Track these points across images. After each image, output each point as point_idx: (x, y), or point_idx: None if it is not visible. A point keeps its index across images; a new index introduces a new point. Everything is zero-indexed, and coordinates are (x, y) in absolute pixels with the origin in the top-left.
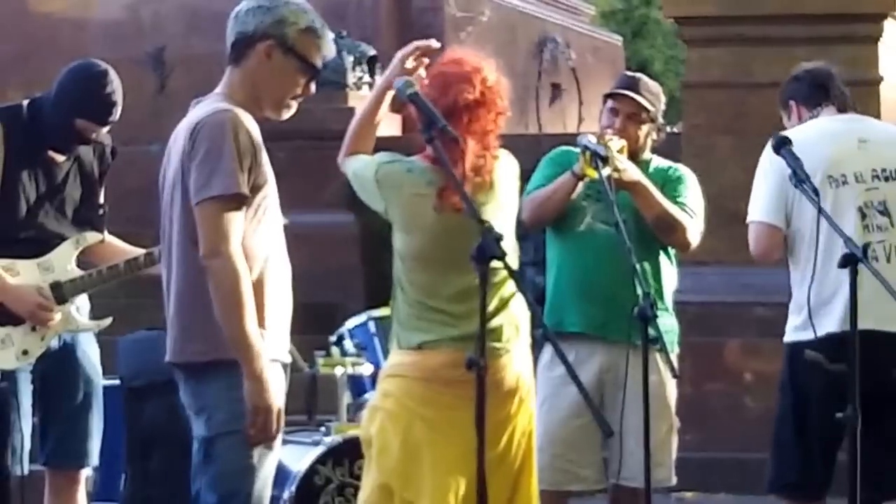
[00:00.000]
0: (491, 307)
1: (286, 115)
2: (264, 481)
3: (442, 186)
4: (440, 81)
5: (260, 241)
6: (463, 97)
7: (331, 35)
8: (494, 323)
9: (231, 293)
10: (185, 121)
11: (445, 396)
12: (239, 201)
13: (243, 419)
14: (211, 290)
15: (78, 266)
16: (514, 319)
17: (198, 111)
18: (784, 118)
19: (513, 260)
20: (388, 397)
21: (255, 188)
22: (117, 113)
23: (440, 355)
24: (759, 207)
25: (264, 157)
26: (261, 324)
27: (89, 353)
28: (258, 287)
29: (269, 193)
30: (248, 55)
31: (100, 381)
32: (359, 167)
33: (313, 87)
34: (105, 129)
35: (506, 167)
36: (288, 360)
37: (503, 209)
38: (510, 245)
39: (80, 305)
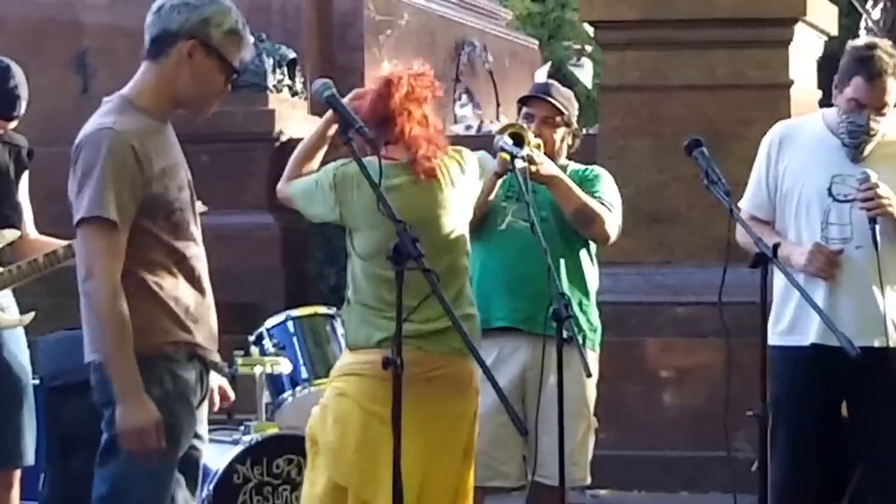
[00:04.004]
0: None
1: (205, 114)
2: (164, 482)
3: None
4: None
5: (178, 244)
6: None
7: (251, 37)
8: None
9: (103, 317)
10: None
11: (405, 395)
12: (105, 224)
13: None
14: (84, 312)
15: (0, 263)
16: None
17: (88, 123)
18: None
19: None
20: (342, 397)
21: (152, 199)
22: (22, 107)
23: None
24: None
25: (165, 163)
26: (184, 324)
27: (16, 352)
28: (175, 288)
29: (181, 196)
30: (168, 53)
31: (29, 380)
32: (309, 181)
33: (229, 87)
34: (12, 125)
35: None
36: (216, 357)
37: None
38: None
39: (6, 305)
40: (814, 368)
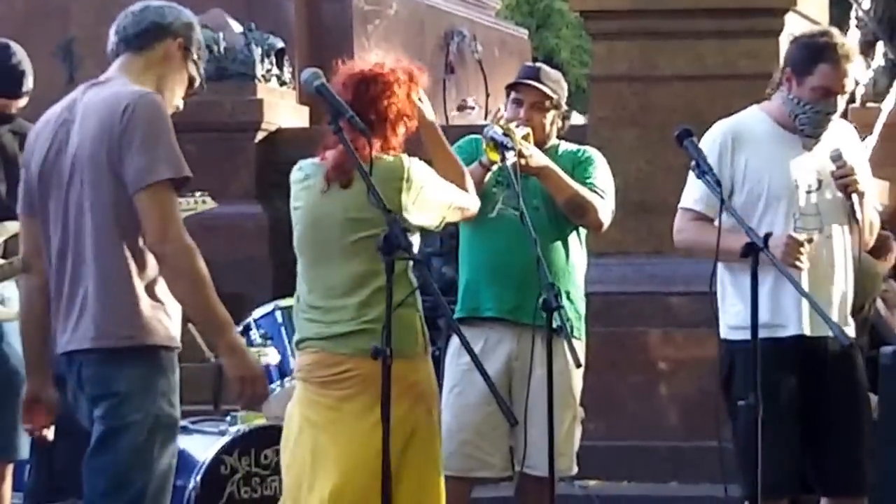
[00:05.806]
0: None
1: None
2: (163, 474)
3: (326, 170)
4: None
5: None
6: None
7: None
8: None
9: (191, 274)
10: (92, 102)
11: (324, 398)
12: (183, 183)
13: (153, 410)
14: (167, 275)
15: (4, 255)
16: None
17: (110, 92)
18: None
19: None
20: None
21: None
22: (28, 83)
23: (311, 354)
24: None
25: None
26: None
27: (14, 344)
28: (157, 274)
29: None
30: (154, 47)
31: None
32: None
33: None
34: (22, 102)
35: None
36: (180, 346)
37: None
38: None
39: (8, 297)
40: (792, 360)
